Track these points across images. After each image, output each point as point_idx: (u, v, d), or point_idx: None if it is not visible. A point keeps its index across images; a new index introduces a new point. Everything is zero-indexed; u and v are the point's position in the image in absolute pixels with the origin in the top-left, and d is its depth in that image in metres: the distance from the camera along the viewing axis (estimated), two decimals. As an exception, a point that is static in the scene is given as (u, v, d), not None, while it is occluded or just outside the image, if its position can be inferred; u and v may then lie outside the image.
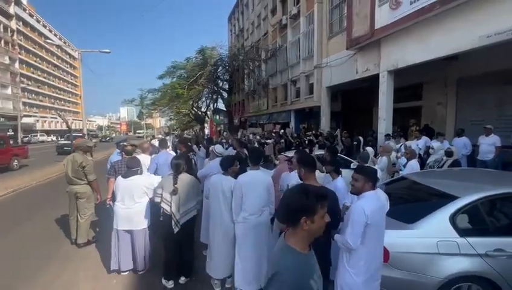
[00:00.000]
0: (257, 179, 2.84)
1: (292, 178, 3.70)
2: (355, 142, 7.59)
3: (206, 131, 27.07)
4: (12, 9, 44.42)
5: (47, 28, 58.32)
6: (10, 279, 3.32)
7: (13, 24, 44.74)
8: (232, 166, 3.03)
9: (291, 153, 6.23)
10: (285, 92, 17.60)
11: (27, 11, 50.25)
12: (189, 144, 6.38)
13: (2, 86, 41.46)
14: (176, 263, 3.08)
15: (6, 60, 42.39)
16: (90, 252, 4.02)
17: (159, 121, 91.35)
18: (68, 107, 66.67)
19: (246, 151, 4.72)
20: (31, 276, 3.40)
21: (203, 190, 3.79)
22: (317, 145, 8.94)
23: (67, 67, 66.92)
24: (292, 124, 15.82)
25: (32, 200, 7.39)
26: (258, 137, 11.28)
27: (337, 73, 11.56)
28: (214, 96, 22.66)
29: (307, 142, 9.65)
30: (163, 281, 3.02)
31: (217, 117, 28.54)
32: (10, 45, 43.86)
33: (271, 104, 20.10)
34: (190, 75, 19.12)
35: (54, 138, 41.94)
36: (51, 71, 58.68)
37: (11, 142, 14.75)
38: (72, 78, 68.81)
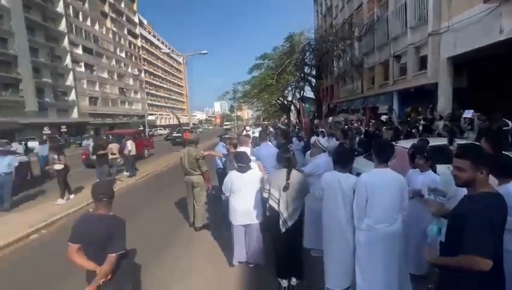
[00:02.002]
0: (387, 180, 2.29)
1: (426, 178, 2.92)
2: (505, 127, 5.59)
3: (292, 120, 26.85)
4: (138, 30, 56.12)
5: (160, 40, 71.03)
6: (139, 257, 3.69)
7: (139, 42, 56.60)
8: (352, 163, 2.58)
9: (406, 143, 5.14)
10: (386, 70, 15.19)
11: (146, 30, 62.53)
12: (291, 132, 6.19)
13: (134, 92, 53.49)
14: (287, 262, 2.93)
15: (136, 72, 54.32)
16: (206, 237, 4.45)
17: (247, 113, 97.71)
18: (177, 105, 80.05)
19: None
20: (157, 256, 3.91)
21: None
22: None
23: (174, 72, 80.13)
24: (395, 107, 13.55)
25: (159, 183, 9.08)
26: (343, 124, 10.09)
27: (464, 37, 8.94)
28: (301, 84, 22.02)
29: (421, 128, 7.96)
30: (278, 279, 2.94)
31: (305, 105, 27.82)
32: (138, 59, 55.87)
33: (366, 87, 17.88)
34: (278, 64, 19.12)
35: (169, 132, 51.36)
36: (164, 76, 71.62)
37: (142, 135, 18.71)
38: (178, 80, 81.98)
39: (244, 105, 35.84)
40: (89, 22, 40.44)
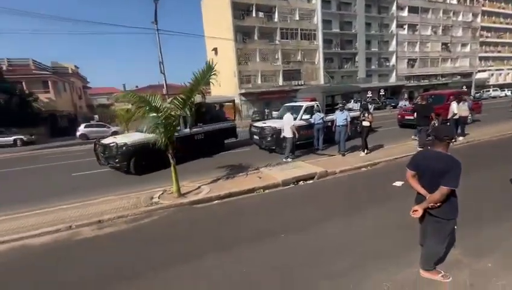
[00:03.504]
0: None
1: None
2: None
3: None
4: (481, -41, 43.23)
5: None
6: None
7: (480, -24, 43.86)
8: None
9: None
10: None
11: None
12: None
13: (461, 45, 44.27)
14: None
15: (469, 18, 43.70)
16: None
17: None
18: (533, 52, 53.94)
19: None
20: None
21: None
22: None
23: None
24: None
25: (486, 153, 7.44)
26: None
27: None
28: None
29: None
30: None
31: None
32: (474, 1, 44.17)
33: None
34: None
35: (508, 93, 37.44)
36: (516, 13, 50.15)
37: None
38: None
39: None
40: (419, -23, 38.67)
